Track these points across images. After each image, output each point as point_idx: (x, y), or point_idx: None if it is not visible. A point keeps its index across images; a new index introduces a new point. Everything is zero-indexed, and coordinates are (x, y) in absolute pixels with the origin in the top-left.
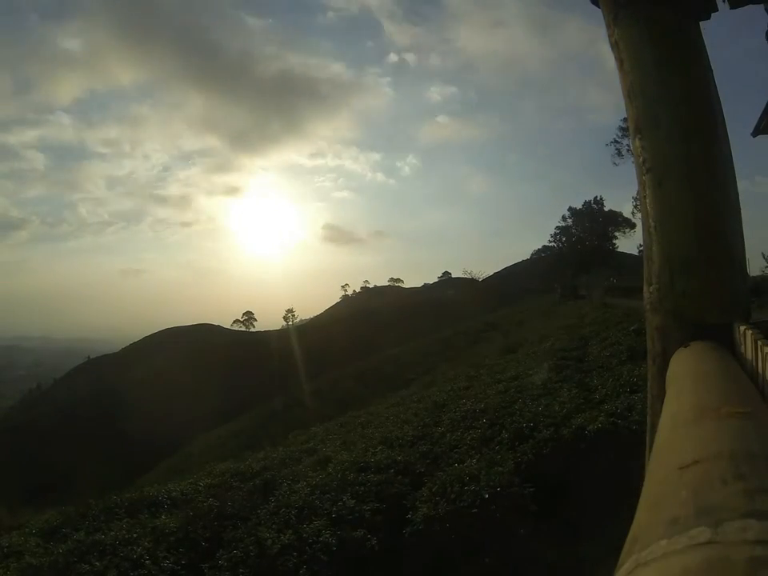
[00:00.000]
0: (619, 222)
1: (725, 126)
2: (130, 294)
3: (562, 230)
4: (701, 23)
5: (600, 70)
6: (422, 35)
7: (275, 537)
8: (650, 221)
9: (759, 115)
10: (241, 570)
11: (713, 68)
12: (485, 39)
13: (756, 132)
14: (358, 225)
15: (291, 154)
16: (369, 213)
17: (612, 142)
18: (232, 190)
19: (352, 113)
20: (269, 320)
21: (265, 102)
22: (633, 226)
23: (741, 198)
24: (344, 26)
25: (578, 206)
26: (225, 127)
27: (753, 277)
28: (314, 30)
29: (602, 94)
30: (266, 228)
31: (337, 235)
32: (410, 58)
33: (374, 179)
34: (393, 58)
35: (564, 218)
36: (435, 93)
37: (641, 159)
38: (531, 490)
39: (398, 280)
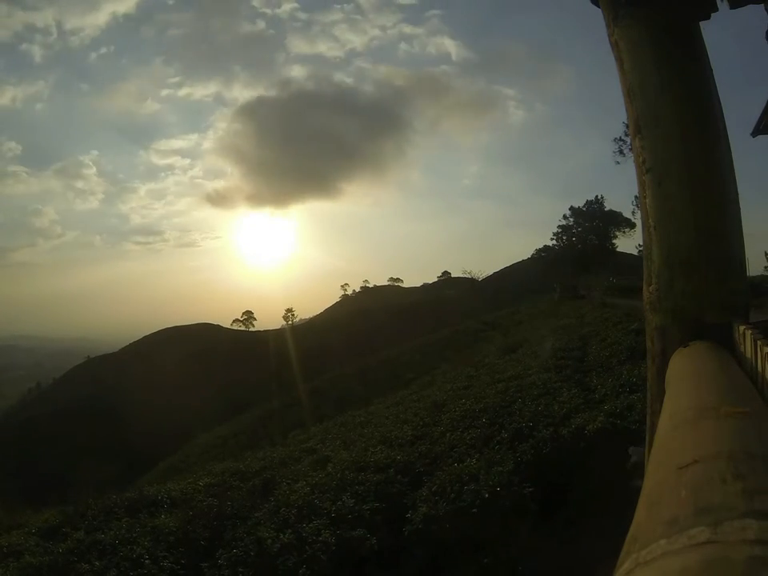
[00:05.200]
0: (619, 221)
1: (725, 125)
2: (129, 294)
3: (563, 229)
4: (701, 23)
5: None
6: None
7: (275, 536)
8: (650, 221)
9: (759, 115)
10: (240, 570)
11: (713, 68)
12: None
13: (756, 132)
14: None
15: None
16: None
17: (617, 139)
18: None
19: None
20: (268, 319)
21: None
22: (633, 225)
23: (741, 197)
24: None
25: (580, 205)
26: None
27: (753, 277)
28: None
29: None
30: (264, 228)
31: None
32: None
33: None
34: None
35: (565, 217)
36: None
37: (641, 159)
38: (530, 489)
39: (398, 280)
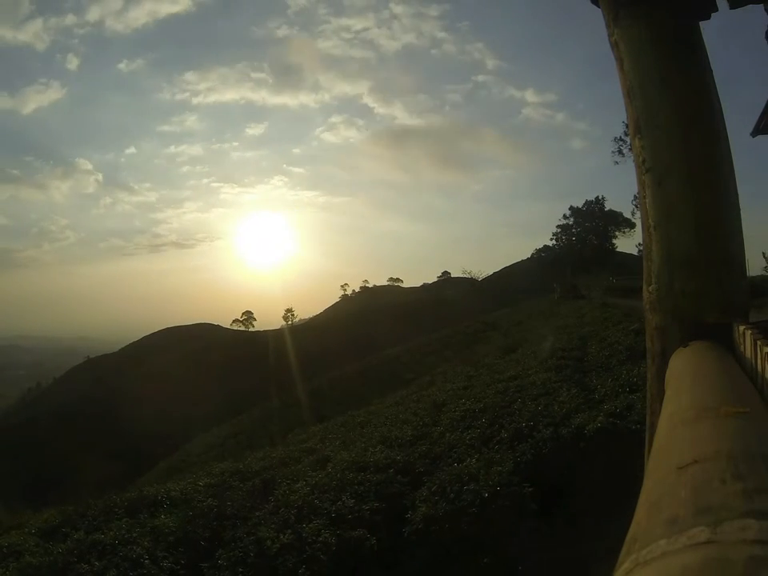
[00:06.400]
0: (619, 221)
1: (725, 125)
2: (130, 293)
3: (562, 229)
4: (701, 23)
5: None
6: None
7: (274, 536)
8: (650, 221)
9: (759, 115)
10: (240, 570)
11: (713, 68)
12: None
13: (756, 132)
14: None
15: None
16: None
17: (617, 139)
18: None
19: None
20: (268, 320)
21: None
22: (633, 225)
23: (741, 197)
24: None
25: (580, 204)
26: None
27: (753, 277)
28: None
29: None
30: (264, 229)
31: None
32: None
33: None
34: None
35: (565, 217)
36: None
37: (641, 159)
38: (530, 489)
39: (398, 279)
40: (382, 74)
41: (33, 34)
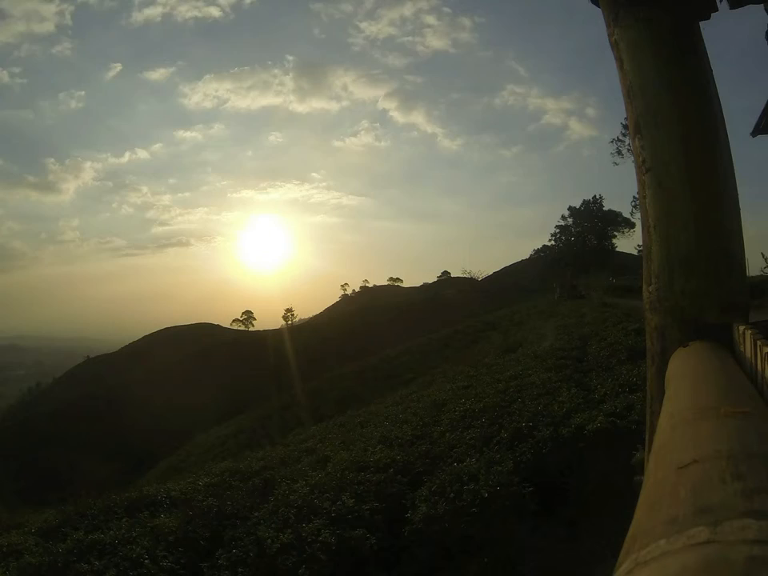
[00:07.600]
0: (618, 221)
1: (724, 125)
2: (130, 293)
3: (561, 229)
4: (701, 23)
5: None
6: None
7: (274, 536)
8: (650, 221)
9: (759, 115)
10: (240, 570)
11: (713, 68)
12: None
13: (756, 132)
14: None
15: None
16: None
17: (616, 140)
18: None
19: None
20: (268, 319)
21: None
22: (632, 225)
23: (741, 198)
24: None
25: (578, 205)
26: None
27: (752, 277)
28: None
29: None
30: (264, 229)
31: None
32: None
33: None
34: None
35: (564, 217)
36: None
37: (641, 159)
38: (530, 489)
39: (398, 279)
40: (405, 80)
41: (64, 46)
